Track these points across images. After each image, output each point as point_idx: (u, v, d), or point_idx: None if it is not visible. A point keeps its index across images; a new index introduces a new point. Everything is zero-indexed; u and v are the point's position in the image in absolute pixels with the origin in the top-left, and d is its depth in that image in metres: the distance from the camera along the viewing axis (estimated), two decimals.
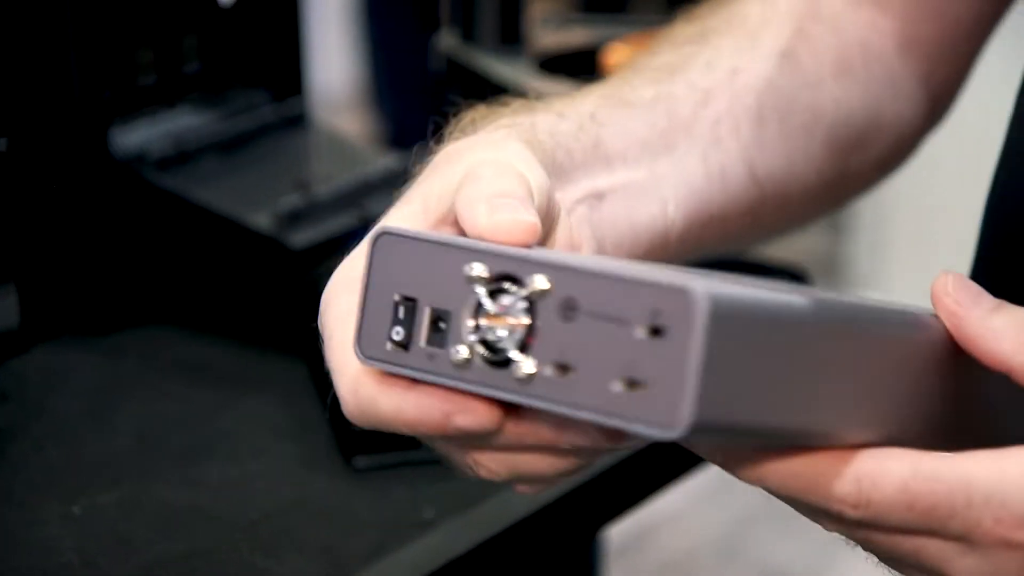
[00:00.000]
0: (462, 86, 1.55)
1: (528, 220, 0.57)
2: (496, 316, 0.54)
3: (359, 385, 0.58)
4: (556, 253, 0.57)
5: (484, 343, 0.54)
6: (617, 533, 2.10)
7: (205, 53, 1.08)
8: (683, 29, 0.79)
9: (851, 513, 0.54)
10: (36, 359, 1.00)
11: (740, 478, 0.56)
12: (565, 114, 0.70)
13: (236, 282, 1.03)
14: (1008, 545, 0.54)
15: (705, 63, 0.75)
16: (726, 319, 0.50)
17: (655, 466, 0.94)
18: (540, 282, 0.53)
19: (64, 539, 0.83)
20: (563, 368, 0.52)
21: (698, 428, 0.50)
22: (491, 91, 1.52)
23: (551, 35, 1.53)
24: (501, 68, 1.52)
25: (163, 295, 1.04)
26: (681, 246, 0.72)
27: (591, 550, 1.10)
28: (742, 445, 0.55)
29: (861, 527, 0.55)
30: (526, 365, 0.53)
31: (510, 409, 0.57)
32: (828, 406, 0.54)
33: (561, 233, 0.64)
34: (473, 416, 0.55)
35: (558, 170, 0.66)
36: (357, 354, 0.57)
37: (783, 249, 1.07)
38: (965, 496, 0.53)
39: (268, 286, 1.02)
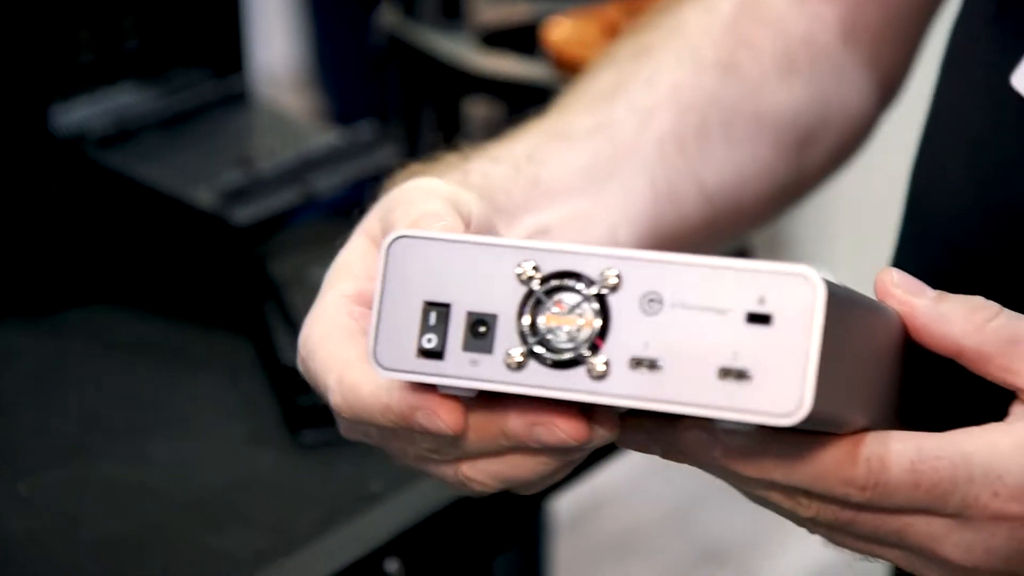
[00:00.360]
0: (404, 62, 1.55)
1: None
2: (558, 315, 0.52)
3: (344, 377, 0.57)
4: (611, 248, 0.54)
5: (543, 344, 0.52)
6: (565, 509, 2.11)
7: (144, 31, 1.08)
8: (623, 46, 0.78)
9: (857, 496, 0.55)
10: None
11: (737, 472, 0.56)
12: (499, 158, 0.69)
13: (180, 260, 1.02)
14: (1001, 519, 0.55)
15: (645, 81, 0.75)
16: (833, 304, 0.50)
17: None
18: (610, 276, 0.51)
19: (11, 518, 0.83)
20: (646, 363, 0.51)
21: (812, 417, 0.49)
22: (433, 66, 1.53)
23: (493, 10, 1.53)
24: (443, 43, 1.52)
25: (107, 274, 1.04)
26: None
27: (537, 523, 1.11)
28: (777, 438, 0.54)
29: (859, 509, 0.56)
30: (598, 362, 0.51)
31: (474, 408, 0.55)
32: (858, 394, 0.55)
33: None
34: (438, 418, 0.55)
35: (498, 210, 0.66)
36: (377, 368, 0.54)
37: None
38: (967, 472, 0.54)
39: (212, 263, 1.02)
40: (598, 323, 0.51)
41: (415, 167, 0.68)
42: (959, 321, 0.57)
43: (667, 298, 0.51)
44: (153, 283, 1.03)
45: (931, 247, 0.69)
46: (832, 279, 0.51)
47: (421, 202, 0.60)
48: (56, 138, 1.02)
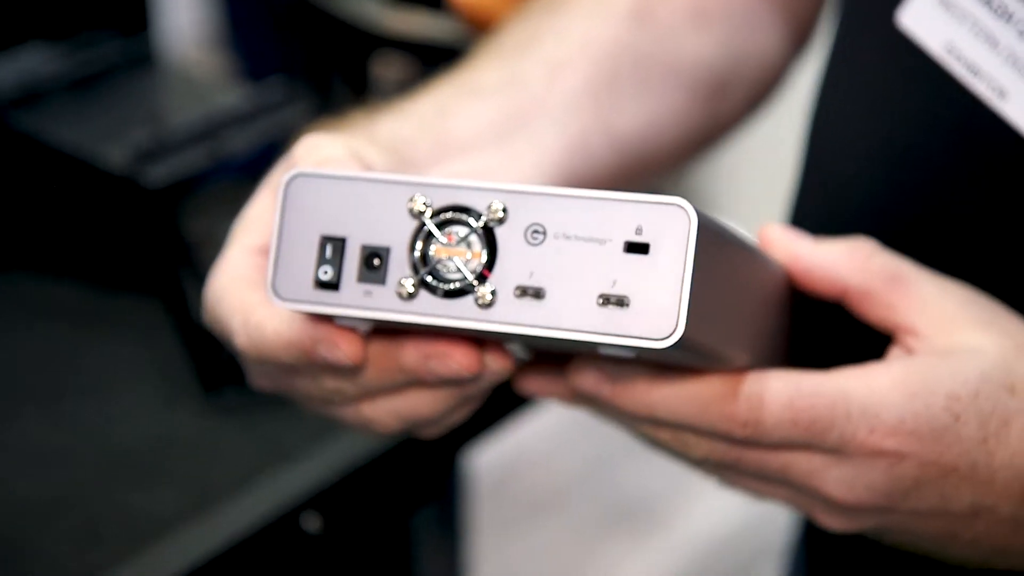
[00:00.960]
0: (312, 21, 1.54)
1: None
2: (447, 247, 0.54)
3: (249, 316, 0.58)
4: (496, 182, 0.56)
5: (433, 275, 0.54)
6: (484, 468, 2.12)
7: None
8: (535, 2, 0.79)
9: (739, 432, 0.56)
10: None
11: (624, 408, 0.58)
12: (408, 114, 0.70)
13: (92, 222, 1.02)
14: (878, 453, 0.57)
15: (557, 34, 0.75)
16: (706, 234, 0.52)
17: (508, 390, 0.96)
18: (496, 210, 0.53)
19: None
20: (531, 291, 0.53)
21: (684, 341, 0.51)
22: (340, 26, 1.52)
23: None
24: (351, 2, 1.51)
25: (18, 238, 1.03)
26: None
27: (455, 480, 1.12)
28: (643, 369, 0.56)
29: (744, 446, 0.57)
30: (486, 291, 0.53)
31: (372, 342, 0.57)
32: (737, 330, 0.57)
33: None
34: (337, 348, 0.56)
35: (404, 163, 0.66)
36: (273, 298, 0.56)
37: None
38: (844, 409, 0.56)
39: (124, 225, 1.01)
40: (485, 254, 0.53)
41: (322, 125, 0.69)
42: (841, 260, 0.59)
43: (550, 229, 0.53)
44: (65, 246, 1.03)
45: (830, 196, 0.70)
46: (711, 216, 0.53)
47: (324, 149, 0.61)
48: None
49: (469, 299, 0.53)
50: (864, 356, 0.60)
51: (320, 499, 0.84)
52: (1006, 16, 0.61)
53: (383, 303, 0.54)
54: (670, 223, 0.51)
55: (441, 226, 0.54)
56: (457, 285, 0.53)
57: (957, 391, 0.57)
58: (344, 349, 0.56)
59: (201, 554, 0.79)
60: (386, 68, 1.50)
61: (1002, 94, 0.61)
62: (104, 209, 1.01)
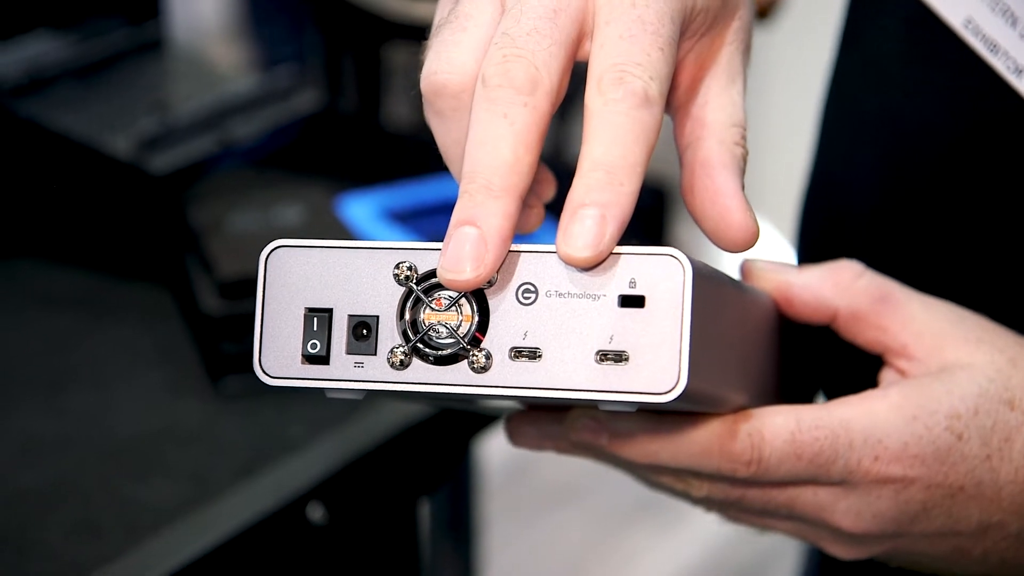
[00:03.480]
0: (324, 7, 1.54)
1: None
2: (437, 312, 0.52)
3: None
4: None
5: (425, 341, 0.52)
6: (500, 459, 2.12)
7: None
8: None
9: (743, 472, 0.56)
10: None
11: (623, 456, 0.57)
12: None
13: (97, 209, 1.01)
14: (884, 480, 0.56)
15: None
16: (700, 282, 0.51)
17: None
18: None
19: None
20: (526, 352, 0.52)
21: (688, 394, 0.50)
22: (352, 12, 1.52)
23: None
24: None
25: (23, 225, 1.03)
26: None
27: (464, 467, 1.11)
28: (650, 419, 0.56)
29: (747, 485, 0.57)
30: (480, 355, 0.52)
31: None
32: (735, 372, 0.56)
33: None
34: None
35: None
36: (261, 376, 0.54)
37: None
38: (847, 439, 0.56)
39: (130, 212, 1.01)
40: (477, 317, 0.52)
41: None
42: (827, 284, 0.59)
43: (541, 288, 0.52)
44: (70, 233, 1.02)
45: (841, 176, 0.69)
46: (703, 261, 0.52)
47: None
48: None
49: (463, 364, 0.52)
50: (856, 379, 0.59)
51: (324, 489, 0.84)
52: None
53: (375, 374, 0.53)
54: (664, 274, 0.50)
55: (429, 291, 0.53)
56: (450, 351, 0.52)
57: (957, 409, 0.56)
58: None
59: (204, 546, 0.79)
60: (399, 55, 1.49)
61: (1019, 72, 0.60)
62: (110, 196, 1.01)
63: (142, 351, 0.94)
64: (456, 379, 0.52)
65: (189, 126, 1.01)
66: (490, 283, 0.52)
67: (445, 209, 0.94)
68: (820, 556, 0.78)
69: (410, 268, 0.53)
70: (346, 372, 0.53)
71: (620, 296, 0.51)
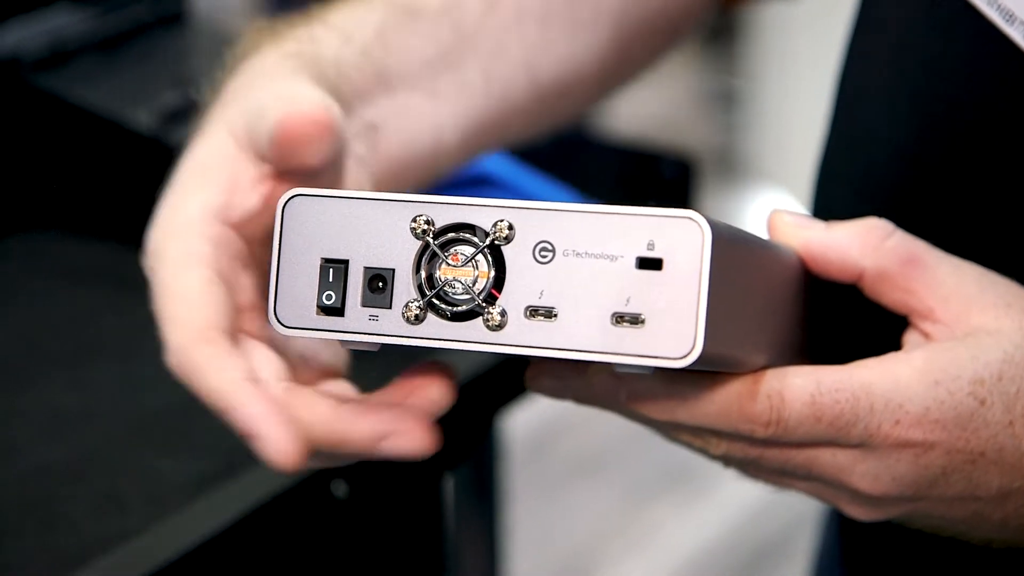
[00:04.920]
0: None
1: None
2: (454, 268, 0.52)
3: (194, 354, 0.58)
4: (503, 200, 0.54)
5: (441, 297, 0.52)
6: (524, 432, 2.12)
7: None
8: None
9: (761, 432, 0.55)
10: None
11: (643, 413, 0.56)
12: (351, 37, 0.68)
13: (119, 183, 1.01)
14: (904, 445, 0.56)
15: None
16: (720, 246, 0.50)
17: None
18: (503, 227, 0.52)
19: None
20: (542, 311, 0.51)
21: (704, 357, 0.50)
22: None
23: None
24: None
25: (45, 199, 1.03)
26: (452, 160, 0.72)
27: (489, 443, 1.11)
28: (679, 378, 0.55)
29: (766, 444, 0.56)
30: (495, 312, 0.52)
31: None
32: (755, 334, 0.55)
33: (349, 173, 0.64)
34: (404, 441, 0.56)
35: (341, 101, 0.64)
36: (276, 326, 0.54)
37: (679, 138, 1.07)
38: (867, 402, 0.55)
39: (152, 186, 1.00)
40: (493, 274, 0.52)
41: (262, 32, 0.67)
42: (856, 242, 0.58)
43: (559, 246, 0.51)
44: (92, 207, 1.02)
45: (858, 150, 0.69)
46: (724, 223, 0.51)
47: (299, 93, 0.59)
48: None
49: (478, 321, 0.52)
50: (881, 339, 0.58)
51: (347, 464, 0.83)
52: None
53: (390, 327, 0.53)
54: (683, 237, 0.50)
55: (446, 246, 0.53)
56: (466, 307, 0.52)
57: (980, 375, 0.55)
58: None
59: (226, 520, 0.79)
60: None
61: None
62: (132, 170, 1.00)
63: None
64: (471, 336, 0.52)
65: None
66: (507, 240, 0.52)
67: (473, 183, 0.94)
68: (840, 529, 0.78)
69: (427, 222, 0.53)
70: (360, 325, 0.53)
71: (638, 258, 0.50)
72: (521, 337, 0.51)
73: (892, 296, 0.58)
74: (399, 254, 0.53)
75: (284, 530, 0.82)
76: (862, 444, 0.56)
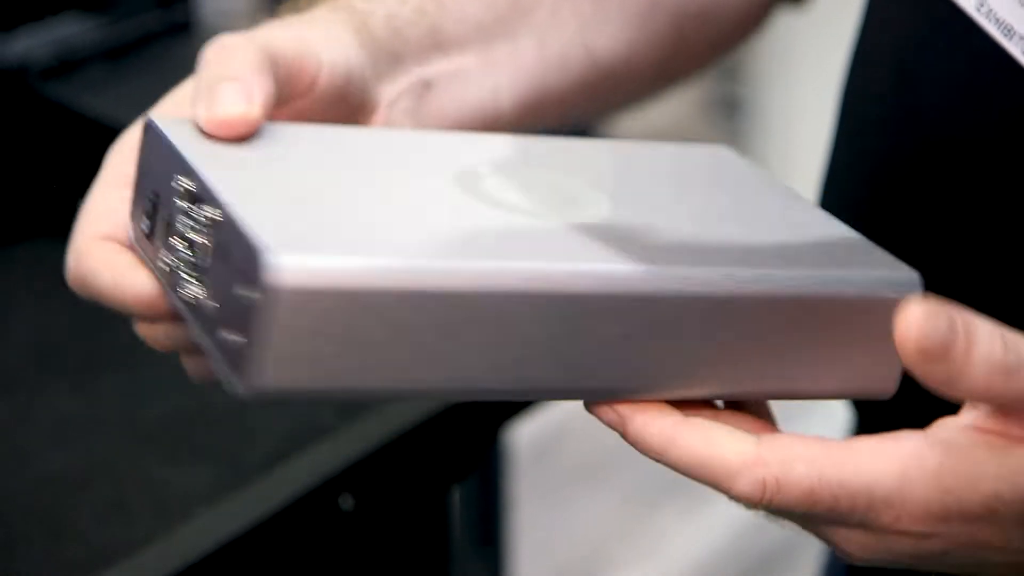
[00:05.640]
0: None
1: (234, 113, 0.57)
2: (178, 234, 0.52)
3: (82, 255, 0.60)
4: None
5: (176, 255, 0.53)
6: (527, 439, 2.12)
7: None
8: None
9: (751, 504, 0.53)
10: None
11: (642, 449, 0.55)
12: None
13: None
14: (903, 535, 0.54)
15: None
16: (305, 290, 0.47)
17: None
18: (209, 211, 0.51)
19: None
20: (211, 301, 0.50)
21: (271, 395, 0.48)
22: None
23: None
24: None
25: (53, 207, 1.03)
26: (512, 128, 0.71)
27: (494, 453, 1.11)
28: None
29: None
30: (190, 288, 0.51)
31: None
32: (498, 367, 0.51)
33: (390, 121, 0.64)
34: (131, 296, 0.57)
35: (392, 58, 0.64)
36: (128, 235, 0.57)
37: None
38: (867, 501, 0.53)
39: None
40: (193, 250, 0.52)
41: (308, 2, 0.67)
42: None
43: (219, 242, 0.51)
44: None
45: (862, 170, 0.69)
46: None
47: (235, 54, 0.60)
48: None
49: (179, 291, 0.53)
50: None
51: (353, 475, 0.84)
52: None
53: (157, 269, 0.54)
54: (258, 268, 0.48)
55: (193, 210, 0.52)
56: (176, 275, 0.53)
57: (1000, 492, 0.52)
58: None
59: (233, 530, 0.79)
60: None
61: None
62: None
63: None
64: (174, 303, 0.54)
65: None
66: (214, 221, 0.51)
67: None
68: None
69: (185, 184, 0.53)
70: (152, 257, 0.55)
71: (244, 272, 0.49)
72: (197, 316, 0.52)
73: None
74: (171, 207, 0.54)
75: (290, 541, 0.82)
76: (860, 526, 0.54)
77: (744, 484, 0.53)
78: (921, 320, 0.48)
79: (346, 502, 0.83)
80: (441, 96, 0.68)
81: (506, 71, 0.70)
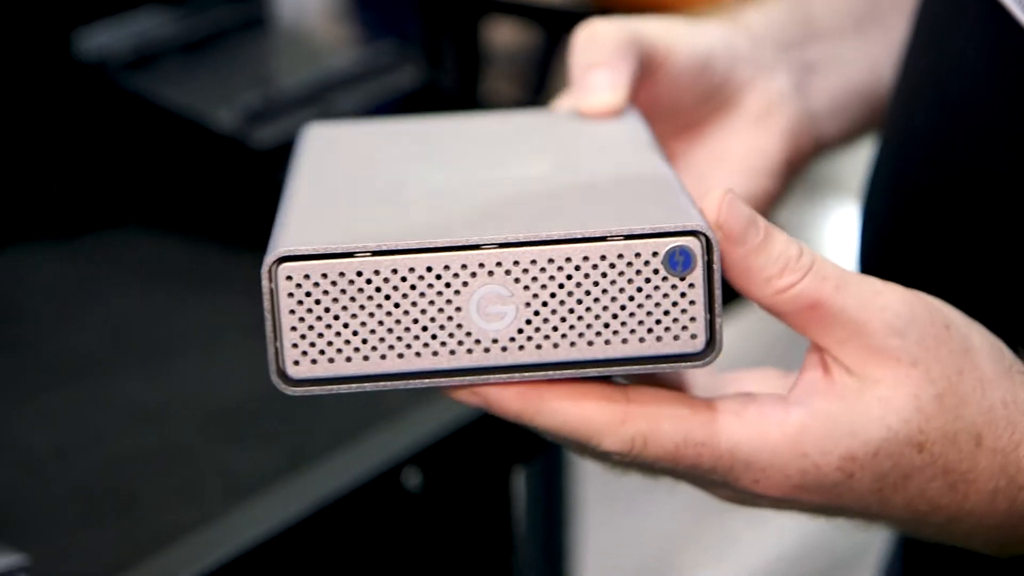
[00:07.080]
0: None
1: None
2: None
3: None
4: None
5: None
6: None
7: None
8: None
9: (620, 458, 0.55)
10: (6, 261, 1.01)
11: (505, 412, 0.55)
12: (770, 1, 0.75)
13: (201, 182, 1.03)
14: (761, 495, 0.55)
15: None
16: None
17: None
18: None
19: (37, 433, 0.85)
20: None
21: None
22: None
23: None
24: None
25: (130, 197, 1.05)
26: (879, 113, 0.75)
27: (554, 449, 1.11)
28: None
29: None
30: None
31: None
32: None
33: (750, 109, 0.70)
34: None
35: (777, 44, 0.71)
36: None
37: None
38: (729, 462, 0.54)
39: (233, 185, 1.02)
40: None
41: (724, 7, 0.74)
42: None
43: None
44: (175, 205, 1.04)
45: (902, 153, 0.68)
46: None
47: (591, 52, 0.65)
48: (79, 63, 1.03)
49: None
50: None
51: (421, 456, 0.84)
52: None
53: None
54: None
55: None
56: None
57: (854, 452, 0.53)
58: None
59: (300, 511, 0.80)
60: (499, 34, 1.49)
61: None
62: (214, 169, 1.02)
63: (243, 320, 0.95)
64: None
65: (291, 101, 1.03)
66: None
67: None
68: (905, 550, 0.77)
69: None
70: None
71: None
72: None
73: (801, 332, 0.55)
74: None
75: (357, 521, 0.83)
76: (723, 485, 0.55)
77: (612, 441, 0.54)
78: (727, 203, 0.53)
79: (413, 482, 0.84)
80: (828, 77, 0.74)
81: (885, 51, 0.74)
